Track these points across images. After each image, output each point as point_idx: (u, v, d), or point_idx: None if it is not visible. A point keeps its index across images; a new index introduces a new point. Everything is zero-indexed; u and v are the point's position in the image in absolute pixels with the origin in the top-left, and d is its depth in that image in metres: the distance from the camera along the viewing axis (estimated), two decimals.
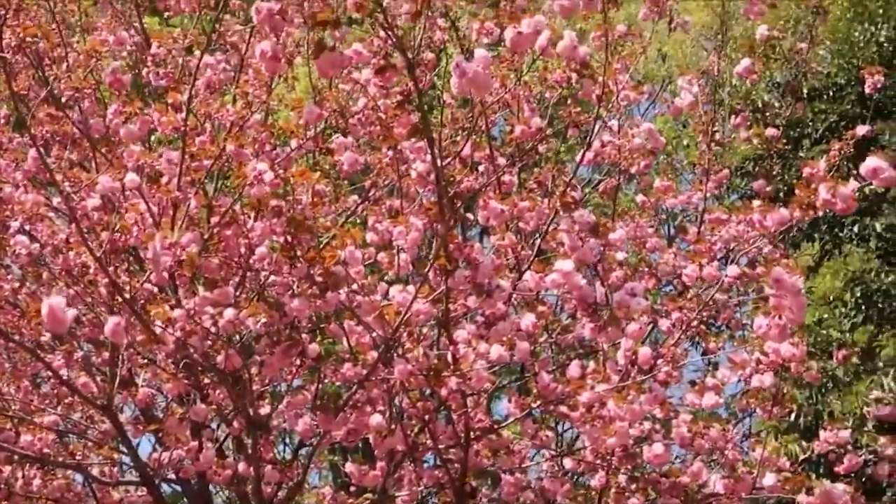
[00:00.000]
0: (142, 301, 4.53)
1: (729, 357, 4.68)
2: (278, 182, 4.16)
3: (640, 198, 6.52)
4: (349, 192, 6.17)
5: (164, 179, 4.57)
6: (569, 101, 5.75)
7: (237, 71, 5.35)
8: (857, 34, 10.07)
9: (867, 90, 5.83)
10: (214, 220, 4.56)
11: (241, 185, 4.17)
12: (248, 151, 4.39)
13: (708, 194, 6.26)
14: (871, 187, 4.11)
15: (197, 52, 5.23)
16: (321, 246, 4.55)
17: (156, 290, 4.71)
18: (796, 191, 4.08)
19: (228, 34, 5.40)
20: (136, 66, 6.01)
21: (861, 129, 5.43)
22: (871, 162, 3.75)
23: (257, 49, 3.67)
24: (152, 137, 6.20)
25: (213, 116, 4.76)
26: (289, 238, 4.09)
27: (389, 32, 3.61)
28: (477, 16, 5.86)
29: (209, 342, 4.33)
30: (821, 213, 4.08)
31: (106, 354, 5.14)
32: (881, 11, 10.11)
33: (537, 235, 5.20)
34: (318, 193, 4.33)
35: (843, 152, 5.22)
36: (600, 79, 4.81)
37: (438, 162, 4.13)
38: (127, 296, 4.29)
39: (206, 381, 5.01)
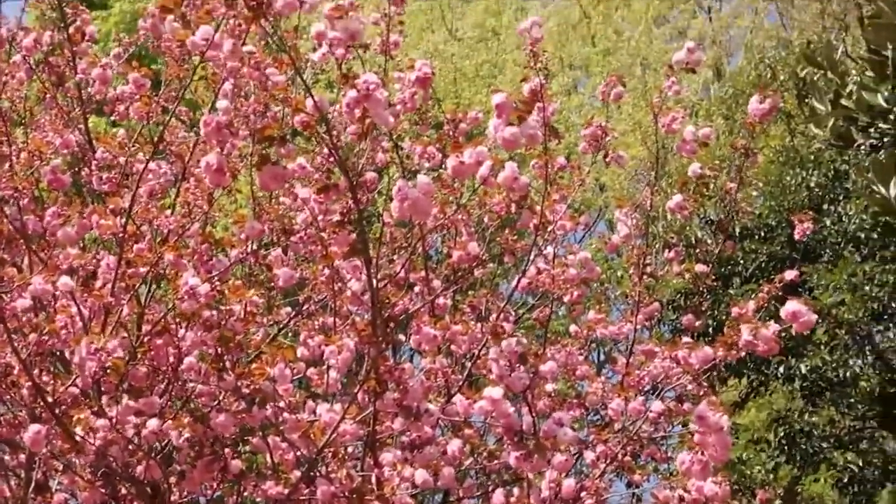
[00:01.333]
0: (64, 406, 4.43)
1: (652, 493, 4.68)
2: (213, 294, 4.14)
3: (572, 328, 6.55)
4: (283, 304, 6.14)
5: (97, 283, 4.52)
6: (507, 230, 5.81)
7: (178, 178, 5.34)
8: (788, 178, 10.36)
9: (797, 235, 5.96)
10: (146, 328, 4.52)
11: (175, 295, 4.14)
12: (185, 261, 4.38)
13: (639, 326, 6.30)
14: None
15: (140, 155, 5.22)
16: (251, 358, 4.52)
17: (79, 394, 4.62)
18: (726, 329, 4.15)
19: (175, 143, 5.38)
20: (77, 165, 5.97)
21: (789, 274, 5.56)
22: (791, 306, 3.84)
23: (203, 161, 3.70)
24: (86, 236, 6.13)
25: (152, 223, 4.74)
26: (218, 350, 4.06)
27: (334, 152, 3.66)
28: (420, 137, 5.93)
29: (130, 451, 4.25)
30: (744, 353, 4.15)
31: (22, 457, 5.01)
32: (812, 157, 10.42)
33: (468, 359, 5.21)
34: (251, 311, 4.31)
35: (770, 294, 5.33)
36: (538, 208, 4.88)
37: (374, 283, 4.15)
38: (49, 399, 4.21)
39: (124, 490, 4.89)
